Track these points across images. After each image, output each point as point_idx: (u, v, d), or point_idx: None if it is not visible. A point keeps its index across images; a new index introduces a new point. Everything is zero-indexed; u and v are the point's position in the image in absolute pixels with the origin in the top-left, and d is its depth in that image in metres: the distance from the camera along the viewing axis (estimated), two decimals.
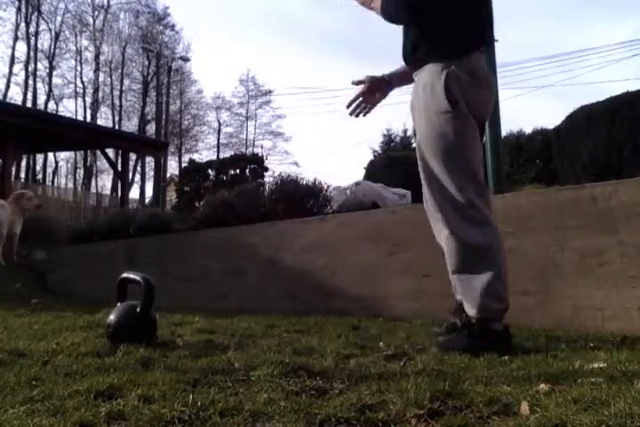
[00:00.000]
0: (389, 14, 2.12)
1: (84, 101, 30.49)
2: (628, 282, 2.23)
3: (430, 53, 2.05)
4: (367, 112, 2.32)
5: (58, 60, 29.80)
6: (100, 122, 28.55)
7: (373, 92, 2.30)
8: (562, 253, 2.42)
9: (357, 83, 2.32)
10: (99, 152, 15.88)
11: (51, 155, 27.54)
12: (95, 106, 30.25)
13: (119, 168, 14.00)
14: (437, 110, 2.00)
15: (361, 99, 2.29)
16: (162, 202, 20.40)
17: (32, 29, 28.99)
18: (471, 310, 1.99)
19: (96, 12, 30.36)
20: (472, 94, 2.02)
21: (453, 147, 2.00)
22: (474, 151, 2.05)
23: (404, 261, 2.94)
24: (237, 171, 17.92)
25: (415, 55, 2.10)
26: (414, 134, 2.15)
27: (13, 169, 12.48)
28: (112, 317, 2.11)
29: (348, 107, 2.30)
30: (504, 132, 10.66)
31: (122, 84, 30.96)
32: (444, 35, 2.05)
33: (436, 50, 2.04)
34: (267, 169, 19.20)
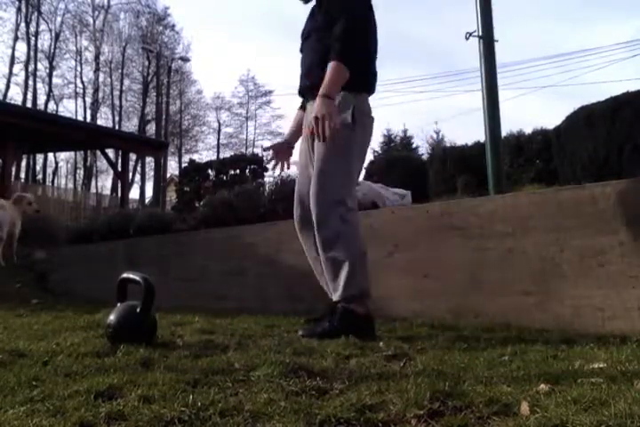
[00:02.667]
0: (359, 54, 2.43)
1: (84, 102, 30.53)
2: (628, 282, 2.23)
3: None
4: (286, 166, 2.82)
5: (58, 61, 29.86)
6: (100, 122, 28.60)
7: (282, 153, 2.78)
8: (562, 253, 2.43)
9: (266, 149, 2.92)
10: (99, 152, 15.89)
11: (51, 155, 27.57)
12: (95, 106, 30.27)
13: (119, 168, 14.00)
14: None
15: (274, 161, 2.78)
16: (162, 202, 20.41)
17: (32, 29, 29.04)
18: (334, 296, 2.33)
19: (96, 13, 30.41)
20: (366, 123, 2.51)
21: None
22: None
23: (404, 261, 2.94)
24: (237, 171, 17.92)
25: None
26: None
27: (13, 169, 12.48)
28: (112, 317, 2.11)
29: (272, 169, 2.87)
30: (504, 133, 10.65)
31: (122, 84, 31.00)
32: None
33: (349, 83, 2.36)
34: (267, 169, 19.21)
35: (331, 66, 2.32)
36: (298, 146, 2.78)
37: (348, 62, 2.32)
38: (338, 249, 2.31)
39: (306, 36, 2.64)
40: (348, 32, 2.35)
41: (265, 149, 2.97)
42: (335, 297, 2.33)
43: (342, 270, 2.30)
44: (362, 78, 2.44)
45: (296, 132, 2.77)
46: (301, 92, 2.67)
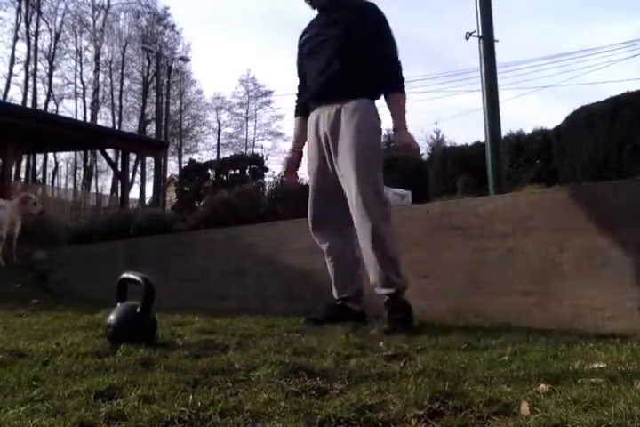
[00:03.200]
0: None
1: (84, 102, 30.51)
2: (628, 282, 2.23)
3: (365, 91, 2.63)
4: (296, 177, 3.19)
5: (58, 61, 29.83)
6: (100, 122, 28.58)
7: (295, 166, 2.98)
8: (562, 253, 2.42)
9: (286, 176, 3.08)
10: (99, 152, 15.88)
11: (51, 155, 27.56)
12: (95, 106, 30.26)
13: (119, 168, 13.99)
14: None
15: (287, 176, 3.04)
16: (162, 202, 20.40)
17: (32, 29, 29.01)
18: (383, 290, 2.56)
19: (96, 13, 30.39)
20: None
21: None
22: None
23: (404, 262, 2.93)
24: (237, 171, 17.90)
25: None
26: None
27: (13, 169, 12.48)
28: (112, 317, 2.11)
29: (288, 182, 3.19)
30: (504, 133, 10.64)
31: (122, 84, 30.98)
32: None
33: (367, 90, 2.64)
34: (267, 169, 19.20)
35: (399, 99, 2.62)
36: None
37: (404, 90, 2.66)
38: (389, 247, 2.52)
39: (321, 40, 2.71)
40: (397, 61, 2.66)
41: (284, 177, 3.13)
42: (385, 291, 2.52)
43: (395, 266, 2.53)
44: (380, 89, 2.67)
45: (303, 139, 2.88)
46: (317, 98, 2.72)
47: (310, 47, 2.77)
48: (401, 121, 2.61)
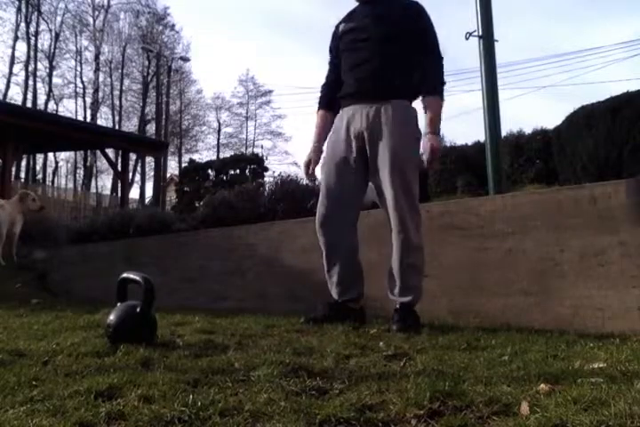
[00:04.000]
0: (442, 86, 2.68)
1: (84, 101, 30.49)
2: (628, 282, 2.23)
3: (406, 92, 2.61)
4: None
5: (58, 60, 29.81)
6: (100, 122, 28.56)
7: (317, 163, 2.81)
8: (562, 253, 2.42)
9: (311, 175, 2.86)
10: (99, 152, 15.87)
11: (51, 155, 27.54)
12: (95, 106, 30.24)
13: (119, 168, 13.99)
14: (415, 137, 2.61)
15: (309, 173, 2.83)
16: (162, 202, 20.41)
17: (32, 29, 28.99)
18: (401, 298, 2.56)
19: (96, 12, 30.37)
20: None
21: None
22: None
23: None
24: (237, 171, 17.91)
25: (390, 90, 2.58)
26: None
27: (13, 169, 12.48)
28: (112, 317, 2.11)
29: (309, 179, 2.98)
30: (504, 132, 10.65)
31: (122, 84, 30.96)
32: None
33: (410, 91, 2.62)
34: (267, 169, 19.22)
35: (436, 104, 2.58)
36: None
37: (443, 95, 2.64)
38: (418, 256, 2.52)
39: (364, 36, 2.63)
40: (441, 70, 2.65)
41: (311, 176, 2.90)
42: (403, 299, 2.52)
43: (418, 276, 2.53)
44: (420, 91, 2.64)
45: (326, 135, 2.78)
46: (356, 94, 2.63)
47: (351, 41, 2.68)
48: (435, 126, 2.57)
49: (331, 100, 2.78)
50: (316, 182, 3.20)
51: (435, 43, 2.66)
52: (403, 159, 2.49)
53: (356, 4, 2.75)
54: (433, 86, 2.60)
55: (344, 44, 2.71)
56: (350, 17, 2.75)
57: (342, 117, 2.67)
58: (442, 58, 2.67)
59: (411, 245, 2.48)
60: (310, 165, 2.78)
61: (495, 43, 4.96)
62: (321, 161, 2.77)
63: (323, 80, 2.87)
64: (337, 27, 2.78)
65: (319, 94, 2.86)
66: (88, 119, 28.40)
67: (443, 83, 2.65)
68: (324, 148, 2.78)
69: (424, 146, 2.53)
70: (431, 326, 2.47)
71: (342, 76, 2.73)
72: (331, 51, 2.83)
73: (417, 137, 2.58)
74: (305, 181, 4.64)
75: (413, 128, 2.58)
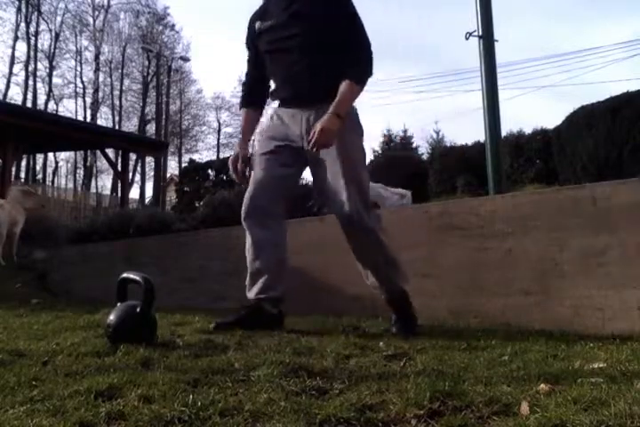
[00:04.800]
0: (369, 77, 2.47)
1: (84, 101, 30.49)
2: (628, 282, 2.23)
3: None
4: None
5: (58, 60, 29.80)
6: (100, 122, 28.54)
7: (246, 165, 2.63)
8: (562, 253, 2.43)
9: (242, 175, 2.63)
10: (99, 152, 15.88)
11: (51, 155, 27.52)
12: (95, 106, 30.24)
13: (119, 168, 13.99)
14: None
15: (240, 176, 2.62)
16: (162, 202, 20.41)
17: (32, 29, 28.99)
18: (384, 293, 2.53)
19: (96, 12, 30.37)
20: None
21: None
22: None
23: (404, 261, 2.93)
24: None
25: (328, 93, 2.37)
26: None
27: (13, 169, 12.48)
28: (112, 317, 2.11)
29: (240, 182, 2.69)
30: (504, 133, 10.65)
31: (122, 84, 30.95)
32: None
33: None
34: None
35: (350, 87, 2.36)
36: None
37: (363, 85, 2.41)
38: (378, 252, 2.45)
39: (285, 35, 2.46)
40: (364, 56, 2.44)
41: (241, 176, 2.66)
42: (388, 294, 2.49)
43: (397, 266, 2.49)
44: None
45: (250, 134, 2.70)
46: (289, 102, 2.53)
47: (273, 41, 2.51)
48: (337, 107, 2.31)
49: (254, 98, 2.69)
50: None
51: (358, 28, 2.45)
52: (348, 157, 2.38)
53: None
54: (351, 71, 2.38)
55: (265, 43, 2.55)
56: (265, 13, 2.56)
57: (280, 117, 2.55)
58: (366, 45, 2.45)
59: (372, 241, 2.42)
60: (237, 162, 2.60)
61: (495, 43, 4.97)
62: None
63: (243, 78, 2.77)
64: (251, 23, 2.61)
65: (241, 93, 2.78)
66: (88, 119, 28.40)
67: (364, 71, 2.43)
68: (256, 143, 2.67)
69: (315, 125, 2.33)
70: (431, 326, 2.48)
71: (270, 76, 2.61)
72: (249, 48, 2.67)
73: (359, 133, 2.49)
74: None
75: (353, 125, 2.43)
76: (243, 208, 2.55)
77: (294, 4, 2.47)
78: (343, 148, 2.37)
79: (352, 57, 2.41)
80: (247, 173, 2.59)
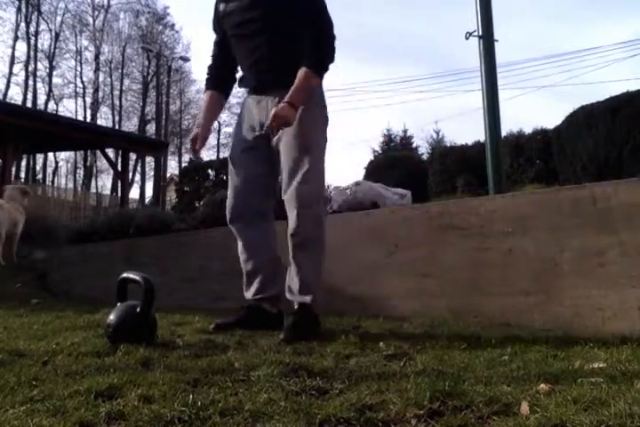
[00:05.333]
0: (330, 63, 2.38)
1: (84, 101, 30.50)
2: (628, 282, 2.23)
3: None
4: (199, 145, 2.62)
5: (58, 60, 29.83)
6: (100, 122, 28.57)
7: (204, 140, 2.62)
8: (562, 253, 2.42)
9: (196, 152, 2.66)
10: (99, 152, 15.87)
11: (51, 155, 27.53)
12: (95, 106, 30.25)
13: (119, 168, 13.99)
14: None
15: (195, 148, 2.61)
16: (162, 202, 20.41)
17: (32, 29, 29.01)
18: (298, 298, 2.39)
19: (96, 12, 30.39)
20: None
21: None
22: None
23: (404, 261, 2.94)
24: None
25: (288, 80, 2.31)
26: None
27: (13, 169, 12.47)
28: (112, 317, 2.11)
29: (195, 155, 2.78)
30: (504, 132, 10.65)
31: (122, 84, 30.97)
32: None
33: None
34: None
35: (306, 75, 2.29)
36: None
37: (321, 72, 2.34)
38: (315, 249, 2.37)
39: (247, 18, 2.40)
40: (324, 41, 2.34)
41: (196, 153, 2.71)
42: (300, 298, 2.34)
43: (318, 274, 2.38)
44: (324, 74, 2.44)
45: (215, 116, 2.72)
46: (252, 89, 2.50)
47: (236, 26, 2.46)
48: (294, 96, 2.25)
49: (219, 81, 2.64)
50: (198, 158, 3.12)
51: (316, 11, 2.36)
52: (305, 146, 2.32)
53: None
54: (308, 59, 2.30)
55: (229, 27, 2.50)
56: None
57: (249, 106, 2.53)
58: (326, 29, 2.36)
59: (311, 238, 2.35)
60: (197, 140, 2.57)
61: (495, 43, 4.97)
62: (229, 153, 2.65)
63: (209, 60, 2.71)
64: (217, 4, 2.56)
65: (207, 75, 2.68)
66: (88, 119, 28.41)
67: (322, 58, 2.34)
68: (233, 136, 2.66)
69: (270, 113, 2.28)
70: (431, 326, 2.48)
71: (238, 61, 2.56)
72: (215, 30, 2.62)
73: (324, 115, 2.43)
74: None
75: (314, 109, 2.37)
76: (227, 209, 2.53)
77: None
78: (300, 135, 2.32)
79: (311, 43, 2.32)
80: (197, 148, 2.59)
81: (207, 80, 2.67)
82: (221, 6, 2.52)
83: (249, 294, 2.51)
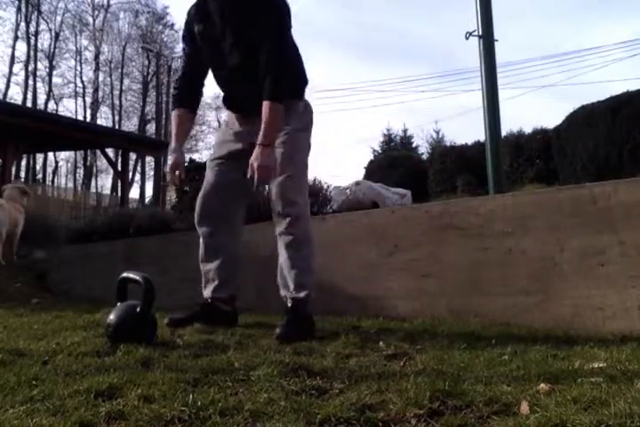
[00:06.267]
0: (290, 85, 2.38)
1: (84, 101, 30.50)
2: (628, 282, 2.23)
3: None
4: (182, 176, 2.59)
5: (58, 60, 29.82)
6: (99, 122, 28.57)
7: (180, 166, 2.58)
8: (562, 253, 2.42)
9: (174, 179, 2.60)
10: (98, 152, 15.88)
11: (51, 155, 27.55)
12: (95, 106, 30.25)
13: (119, 168, 14.00)
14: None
15: (173, 178, 2.60)
16: (162, 202, 20.40)
17: (32, 29, 29.00)
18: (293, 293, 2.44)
19: (96, 12, 30.40)
20: None
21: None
22: None
23: (404, 261, 2.94)
24: None
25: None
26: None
27: (13, 169, 12.47)
28: (112, 316, 2.11)
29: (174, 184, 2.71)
30: (504, 132, 10.66)
31: (122, 83, 30.96)
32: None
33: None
34: None
35: (267, 109, 2.26)
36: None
37: (280, 98, 2.29)
38: (306, 249, 2.44)
39: (221, 39, 2.38)
40: (275, 67, 2.29)
41: (178, 180, 2.62)
42: (293, 294, 2.39)
43: (311, 270, 2.45)
44: (303, 86, 2.53)
45: (184, 137, 2.65)
46: (238, 110, 2.53)
47: (211, 47, 2.44)
48: (266, 136, 2.26)
49: (189, 97, 2.59)
50: (185, 187, 3.15)
51: (268, 37, 2.29)
52: (288, 153, 2.36)
53: None
54: (264, 90, 2.28)
55: (204, 46, 2.47)
56: (201, 13, 2.45)
57: (232, 121, 2.59)
58: (277, 53, 2.30)
59: (299, 239, 2.40)
60: (178, 168, 2.54)
61: (495, 42, 4.96)
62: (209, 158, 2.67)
63: (180, 73, 2.69)
64: (190, 21, 2.51)
65: (176, 91, 2.62)
66: (88, 119, 28.41)
67: (275, 83, 2.28)
68: (215, 139, 2.68)
69: (250, 161, 2.27)
70: (431, 326, 2.48)
71: (215, 79, 2.55)
72: (187, 44, 2.56)
73: (306, 128, 2.48)
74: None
75: (293, 133, 2.40)
76: (196, 212, 2.64)
77: (225, 3, 2.37)
78: (284, 144, 2.38)
79: (264, 72, 2.29)
80: (182, 177, 2.56)
81: (177, 96, 2.60)
82: (195, 27, 2.49)
83: (206, 292, 2.64)
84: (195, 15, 2.48)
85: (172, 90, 2.71)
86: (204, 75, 2.60)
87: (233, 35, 2.36)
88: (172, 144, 2.57)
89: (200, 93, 2.67)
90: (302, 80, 2.54)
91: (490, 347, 1.94)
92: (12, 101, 24.28)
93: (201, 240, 2.66)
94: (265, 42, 2.30)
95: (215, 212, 2.58)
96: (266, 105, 2.27)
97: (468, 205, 2.84)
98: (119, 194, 14.35)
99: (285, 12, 2.37)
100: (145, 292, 2.08)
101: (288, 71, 2.36)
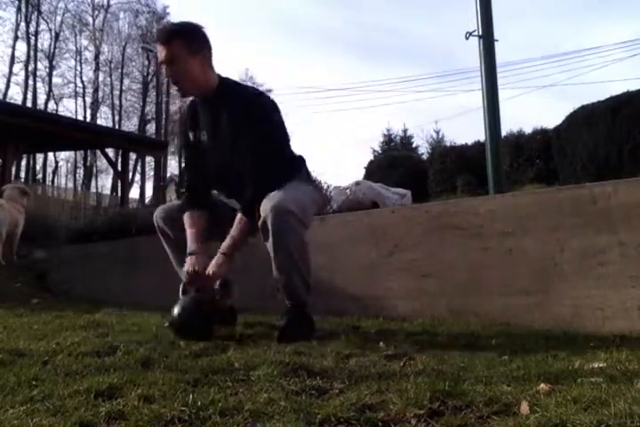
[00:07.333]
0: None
1: (84, 101, 30.54)
2: (628, 282, 2.23)
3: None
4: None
5: (58, 60, 29.87)
6: (99, 122, 28.61)
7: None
8: (562, 253, 2.42)
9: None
10: (98, 152, 15.88)
11: (51, 155, 27.57)
12: (95, 106, 30.28)
13: (119, 168, 14.00)
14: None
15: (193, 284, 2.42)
16: (162, 201, 20.40)
17: (32, 29, 29.06)
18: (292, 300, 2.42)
19: (96, 12, 30.43)
20: None
21: None
22: None
23: (404, 261, 2.94)
24: None
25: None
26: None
27: (13, 169, 12.47)
28: (177, 308, 2.20)
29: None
30: (504, 132, 10.67)
31: (122, 83, 31.00)
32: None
33: None
34: None
35: (241, 222, 2.32)
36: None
37: (253, 215, 2.28)
38: (300, 248, 2.42)
39: (220, 147, 2.42)
40: (262, 189, 2.28)
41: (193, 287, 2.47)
42: (293, 301, 2.37)
43: (307, 271, 2.43)
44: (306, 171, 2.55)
45: (204, 237, 2.47)
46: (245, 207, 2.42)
47: (210, 153, 2.48)
48: (229, 246, 2.32)
49: (201, 200, 2.55)
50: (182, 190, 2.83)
51: (268, 147, 2.35)
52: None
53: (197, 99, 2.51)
54: (246, 202, 2.33)
55: (202, 152, 2.51)
56: (196, 121, 2.51)
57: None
58: (258, 168, 2.32)
59: (294, 242, 2.37)
60: (206, 271, 2.34)
61: (495, 42, 4.96)
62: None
63: (187, 183, 2.63)
64: (185, 130, 2.58)
65: (186, 195, 2.60)
66: (88, 119, 28.43)
67: (249, 201, 2.30)
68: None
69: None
70: (431, 326, 2.48)
71: (217, 183, 2.60)
72: (184, 149, 2.69)
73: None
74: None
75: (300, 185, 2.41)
76: (155, 216, 2.69)
77: (219, 111, 2.40)
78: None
79: (252, 189, 2.32)
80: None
81: (189, 199, 2.56)
82: (190, 135, 2.54)
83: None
84: (189, 121, 2.55)
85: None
86: (208, 175, 2.57)
87: (230, 142, 2.38)
88: (194, 248, 2.41)
89: (208, 193, 2.66)
90: (301, 166, 2.54)
91: (490, 347, 1.94)
92: (12, 101, 24.33)
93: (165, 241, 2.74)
94: (255, 153, 2.33)
95: (174, 220, 2.58)
96: (239, 218, 2.33)
97: (467, 205, 2.84)
98: (119, 194, 14.36)
99: (277, 114, 2.43)
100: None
101: (270, 186, 2.29)
